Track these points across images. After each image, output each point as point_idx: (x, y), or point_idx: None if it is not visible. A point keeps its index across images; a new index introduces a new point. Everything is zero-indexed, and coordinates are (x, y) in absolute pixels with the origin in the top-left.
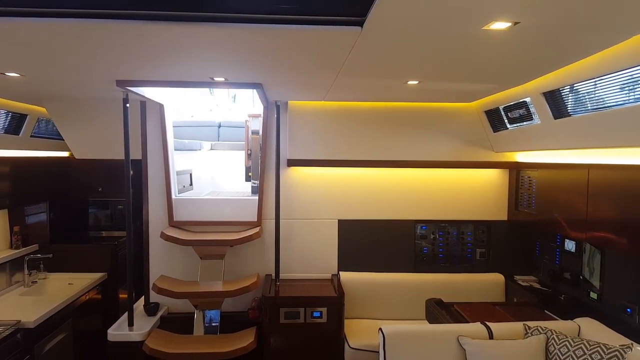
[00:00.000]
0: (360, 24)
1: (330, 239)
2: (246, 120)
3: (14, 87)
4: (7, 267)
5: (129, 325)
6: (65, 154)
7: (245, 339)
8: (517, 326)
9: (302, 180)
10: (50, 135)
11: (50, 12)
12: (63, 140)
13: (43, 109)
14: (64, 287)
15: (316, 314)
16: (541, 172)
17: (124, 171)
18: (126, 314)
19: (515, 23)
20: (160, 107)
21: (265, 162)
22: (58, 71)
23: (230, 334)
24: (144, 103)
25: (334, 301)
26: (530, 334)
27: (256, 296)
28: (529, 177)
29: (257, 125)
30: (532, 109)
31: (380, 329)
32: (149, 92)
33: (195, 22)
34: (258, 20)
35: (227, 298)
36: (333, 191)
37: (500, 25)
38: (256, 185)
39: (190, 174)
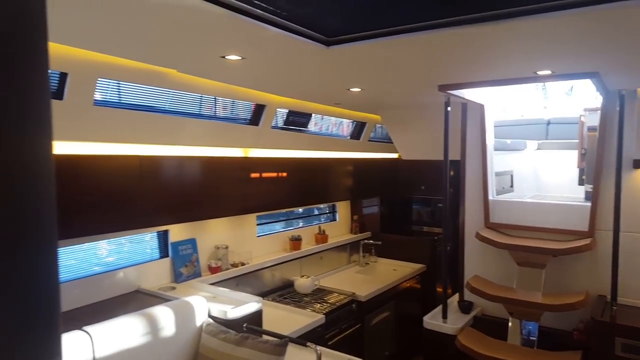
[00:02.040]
0: None
1: None
2: (581, 116)
3: (356, 100)
4: (347, 248)
5: (442, 318)
6: (395, 155)
7: None
8: None
9: None
10: (383, 139)
11: (384, 32)
12: (393, 143)
13: (378, 117)
14: (390, 271)
15: None
16: None
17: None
18: (440, 306)
19: None
20: (480, 108)
21: (602, 163)
22: (389, 83)
23: (550, 352)
24: (464, 105)
25: None
26: None
27: (583, 317)
28: None
29: (595, 120)
30: None
31: None
32: (469, 94)
33: (514, 17)
34: (593, 2)
35: (547, 312)
36: None
37: None
38: (591, 190)
39: (511, 175)
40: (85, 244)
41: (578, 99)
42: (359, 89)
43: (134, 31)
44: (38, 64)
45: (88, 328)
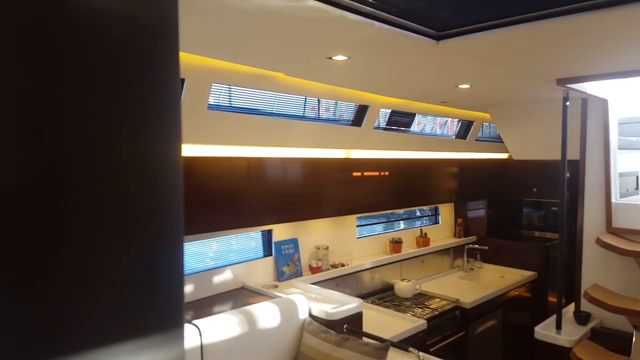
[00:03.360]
0: None
1: None
2: None
3: (464, 98)
4: (450, 252)
5: (556, 328)
6: (504, 155)
7: None
8: None
9: None
10: (491, 138)
11: (500, 22)
12: (502, 142)
13: (487, 115)
14: (496, 278)
15: None
16: None
17: (559, 172)
18: (554, 316)
19: None
20: (603, 103)
21: None
22: (502, 78)
23: None
24: (585, 100)
25: None
26: None
27: None
28: None
29: None
30: None
31: None
32: (591, 88)
33: None
34: None
35: None
36: None
37: None
38: None
39: (637, 176)
40: (196, 241)
41: None
42: (468, 86)
43: (247, 38)
44: (171, 71)
45: (197, 321)
